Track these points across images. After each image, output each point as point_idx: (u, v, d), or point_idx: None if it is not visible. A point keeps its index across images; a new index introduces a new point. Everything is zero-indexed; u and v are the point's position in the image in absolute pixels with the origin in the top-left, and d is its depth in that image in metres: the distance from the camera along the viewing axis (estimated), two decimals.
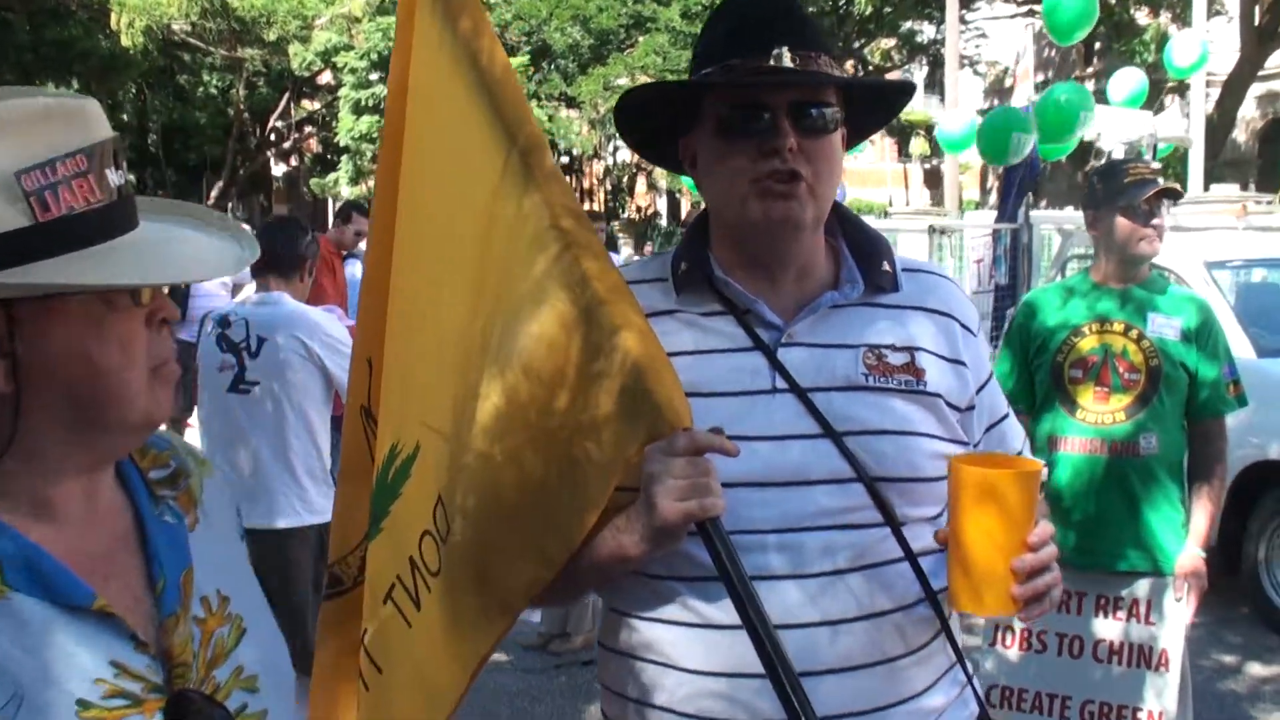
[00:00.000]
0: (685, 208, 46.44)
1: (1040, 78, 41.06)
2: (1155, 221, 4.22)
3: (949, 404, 2.01)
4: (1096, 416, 4.23)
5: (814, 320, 1.99)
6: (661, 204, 46.94)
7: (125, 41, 22.84)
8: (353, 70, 35.69)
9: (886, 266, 2.05)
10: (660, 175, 39.18)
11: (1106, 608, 4.25)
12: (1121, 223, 4.22)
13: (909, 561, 1.93)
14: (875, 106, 2.17)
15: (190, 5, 23.05)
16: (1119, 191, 4.21)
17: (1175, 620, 4.17)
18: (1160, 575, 4.21)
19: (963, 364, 2.06)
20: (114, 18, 22.63)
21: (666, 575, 1.92)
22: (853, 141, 2.11)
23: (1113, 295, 4.30)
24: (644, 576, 1.93)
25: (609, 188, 43.69)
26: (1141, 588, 4.22)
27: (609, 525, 1.83)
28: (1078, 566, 4.24)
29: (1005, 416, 2.21)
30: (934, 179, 44.34)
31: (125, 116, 45.57)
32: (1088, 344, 4.26)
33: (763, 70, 1.90)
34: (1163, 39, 30.46)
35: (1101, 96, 11.63)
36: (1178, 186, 4.38)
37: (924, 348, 2.01)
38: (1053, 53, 42.10)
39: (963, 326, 2.10)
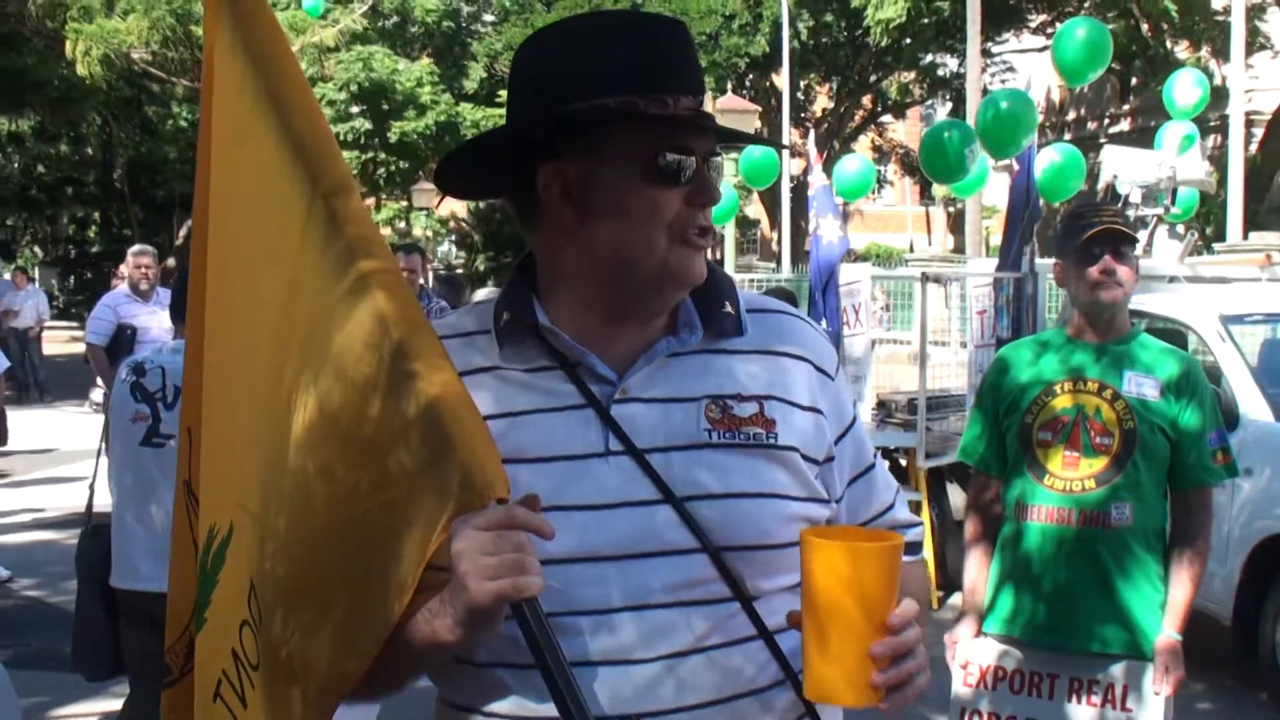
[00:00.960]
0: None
1: (1071, 115, 41.21)
2: (1109, 267, 4.15)
3: (805, 457, 1.96)
4: (1065, 483, 4.18)
5: (650, 371, 1.94)
6: None
7: (81, 70, 22.94)
8: (330, 103, 35.93)
9: (728, 308, 2.00)
10: None
11: (1080, 691, 4.19)
12: (1080, 271, 4.21)
13: (763, 639, 1.89)
14: None
15: (151, 33, 23.16)
16: (1076, 238, 4.21)
17: (1154, 707, 4.12)
18: (1139, 658, 4.15)
19: (819, 411, 2.01)
20: (69, 45, 22.74)
21: (490, 662, 1.87)
22: None
23: (1088, 350, 4.26)
24: (469, 664, 1.88)
25: None
26: (1118, 670, 4.16)
27: (423, 609, 1.76)
28: (1048, 646, 4.22)
29: (871, 468, 2.14)
30: (959, 223, 44.43)
31: (90, 150, 45.96)
32: (1060, 404, 4.22)
33: (699, 115, 1.90)
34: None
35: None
36: (1129, 230, 4.28)
37: (774, 395, 1.96)
38: (1085, 89, 42.29)
39: (818, 369, 2.04)
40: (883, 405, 10.56)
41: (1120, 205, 10.29)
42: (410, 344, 1.76)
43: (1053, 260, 4.49)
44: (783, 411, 1.96)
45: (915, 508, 9.77)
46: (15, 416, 14.32)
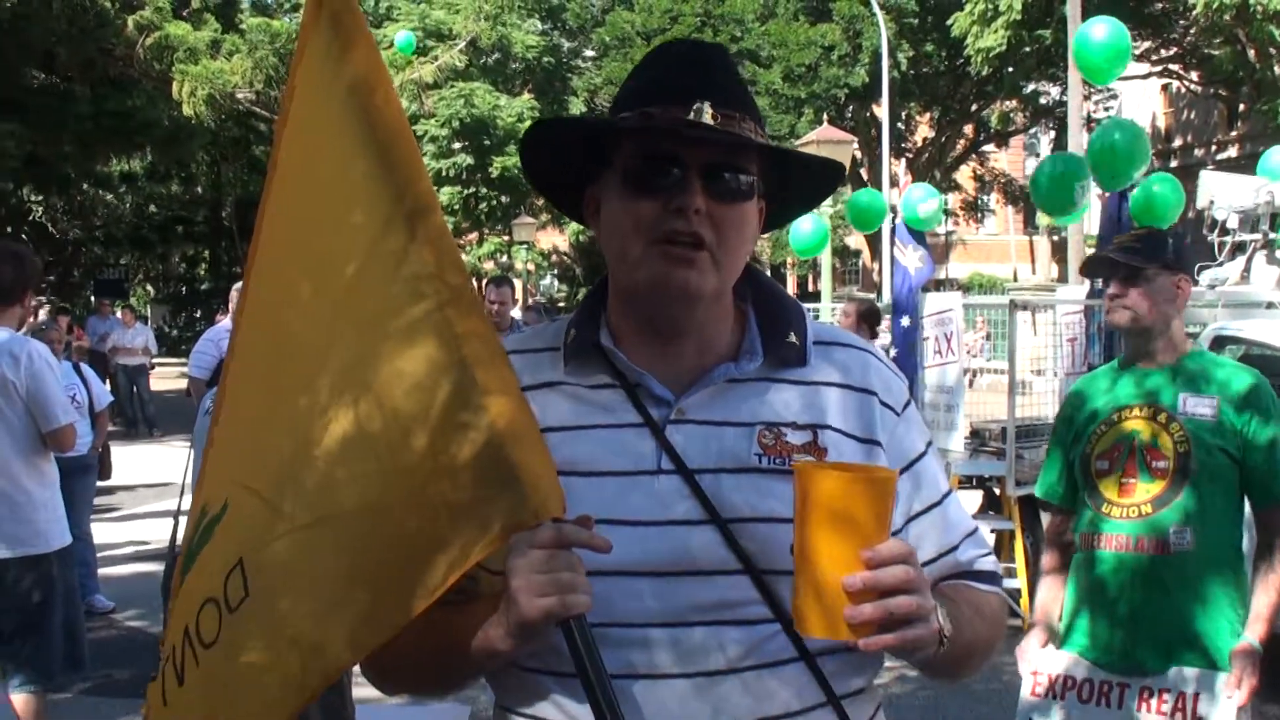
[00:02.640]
0: (791, 281, 46.39)
1: (1178, 141, 40.63)
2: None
3: None
4: (1123, 510, 4.16)
5: (707, 395, 1.97)
6: None
7: (187, 111, 23.48)
8: (433, 139, 36.40)
9: (793, 338, 2.02)
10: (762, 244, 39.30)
11: (1150, 699, 4.13)
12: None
13: (804, 660, 1.89)
14: (808, 185, 2.16)
15: (254, 73, 23.65)
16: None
17: (1227, 714, 4.03)
18: (1214, 670, 4.07)
19: (877, 444, 2.00)
20: (175, 86, 23.29)
21: (536, 668, 1.91)
22: (775, 223, 2.12)
23: (1149, 375, 4.25)
24: (518, 669, 1.92)
25: None
26: (1190, 679, 4.08)
27: (482, 620, 1.81)
28: (1120, 669, 4.18)
29: (936, 505, 2.09)
30: (1062, 251, 43.93)
31: (199, 189, 46.93)
32: (1117, 431, 4.22)
33: (680, 122, 1.89)
34: None
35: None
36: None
37: (830, 425, 1.98)
38: (1192, 115, 41.68)
39: (883, 404, 2.04)
40: (976, 434, 10.47)
41: (1217, 231, 10.15)
42: (479, 372, 1.76)
43: None
44: (836, 441, 1.98)
45: (1009, 537, 9.67)
46: (124, 452, 14.64)
